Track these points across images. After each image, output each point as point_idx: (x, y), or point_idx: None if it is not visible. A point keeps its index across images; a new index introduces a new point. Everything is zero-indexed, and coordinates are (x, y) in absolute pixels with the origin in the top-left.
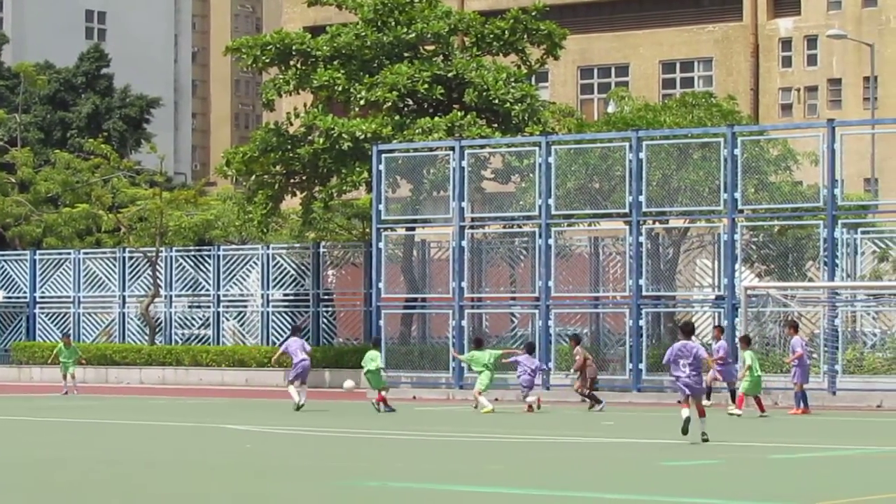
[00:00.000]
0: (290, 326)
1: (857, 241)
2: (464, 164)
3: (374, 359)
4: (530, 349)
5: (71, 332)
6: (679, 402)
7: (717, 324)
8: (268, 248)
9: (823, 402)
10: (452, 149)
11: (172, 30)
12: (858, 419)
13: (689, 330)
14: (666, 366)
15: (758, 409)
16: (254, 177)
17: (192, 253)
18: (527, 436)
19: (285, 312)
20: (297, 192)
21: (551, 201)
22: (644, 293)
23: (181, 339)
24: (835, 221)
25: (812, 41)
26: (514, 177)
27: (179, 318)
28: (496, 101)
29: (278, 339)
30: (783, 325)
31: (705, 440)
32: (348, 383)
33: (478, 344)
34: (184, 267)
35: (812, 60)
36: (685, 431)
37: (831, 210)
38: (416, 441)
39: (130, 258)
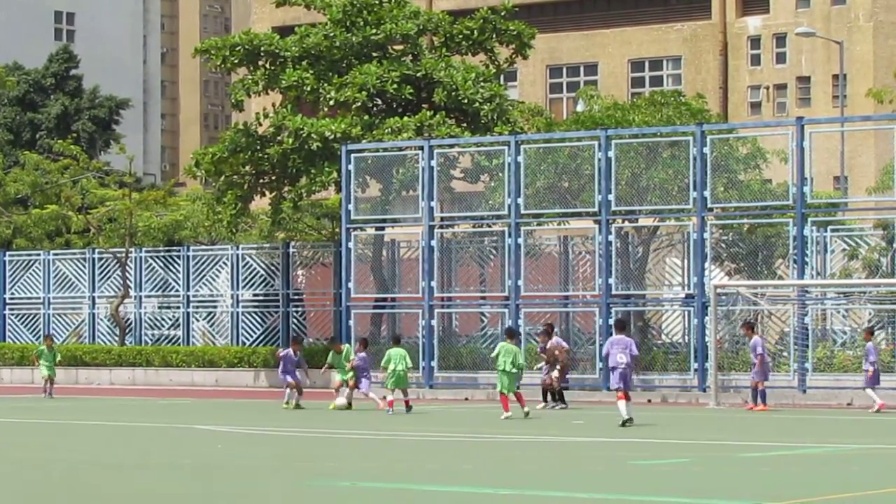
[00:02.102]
0: (260, 327)
1: (827, 239)
2: (433, 163)
3: (404, 357)
4: (365, 344)
5: (53, 333)
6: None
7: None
8: (237, 248)
9: (793, 400)
10: (421, 148)
11: (141, 31)
12: (829, 417)
13: (622, 325)
14: (604, 357)
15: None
16: (223, 177)
17: (162, 253)
18: (497, 435)
19: (255, 313)
20: (267, 193)
21: (520, 200)
22: (614, 292)
23: (151, 340)
24: (804, 219)
25: (781, 39)
26: (483, 176)
27: (149, 318)
28: (465, 101)
29: (248, 340)
30: (740, 325)
31: (629, 423)
32: (340, 401)
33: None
34: (153, 267)
35: (781, 58)
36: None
37: (801, 208)
38: (386, 441)
39: (100, 259)
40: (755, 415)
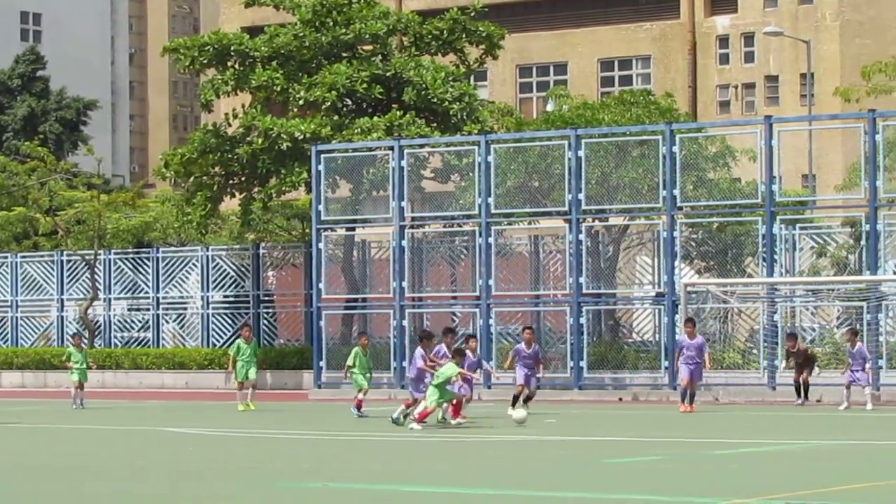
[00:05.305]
0: (231, 328)
1: (796, 236)
2: (403, 163)
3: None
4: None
5: (82, 334)
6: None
7: (470, 333)
8: (207, 249)
9: (763, 397)
10: (392, 148)
11: (109, 31)
12: (798, 414)
13: (430, 335)
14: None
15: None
16: (192, 178)
17: (131, 255)
18: (470, 435)
19: (225, 314)
20: (237, 193)
21: (491, 200)
22: (584, 291)
23: (120, 343)
24: (773, 217)
25: (749, 38)
26: (453, 176)
27: (119, 321)
28: (435, 101)
29: (219, 341)
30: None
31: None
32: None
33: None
34: (122, 269)
35: (749, 57)
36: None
37: (769, 206)
38: (358, 441)
39: (68, 261)
40: (695, 415)
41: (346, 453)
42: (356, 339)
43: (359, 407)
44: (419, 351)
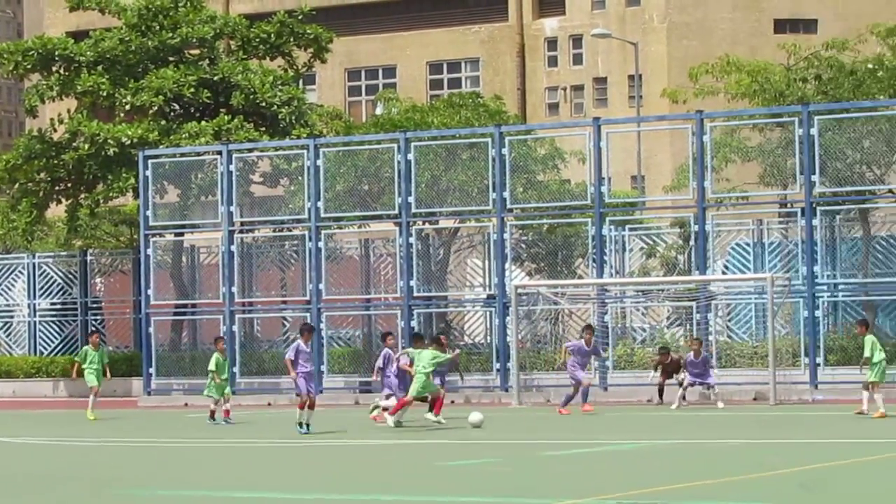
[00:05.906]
0: (58, 336)
1: (625, 237)
2: (232, 168)
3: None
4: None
5: None
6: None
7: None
8: (33, 256)
9: (595, 397)
10: (220, 153)
11: None
12: (629, 414)
13: (311, 329)
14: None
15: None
16: (17, 185)
17: None
18: (303, 441)
19: (53, 322)
20: (63, 200)
21: (320, 204)
22: (415, 294)
23: None
24: (602, 219)
25: (577, 41)
26: (282, 180)
27: None
28: (263, 104)
29: (46, 349)
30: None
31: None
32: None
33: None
34: None
35: (577, 60)
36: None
37: (599, 208)
38: (188, 448)
39: None
40: (531, 417)
41: (174, 460)
42: (186, 344)
43: (213, 415)
44: (407, 354)
